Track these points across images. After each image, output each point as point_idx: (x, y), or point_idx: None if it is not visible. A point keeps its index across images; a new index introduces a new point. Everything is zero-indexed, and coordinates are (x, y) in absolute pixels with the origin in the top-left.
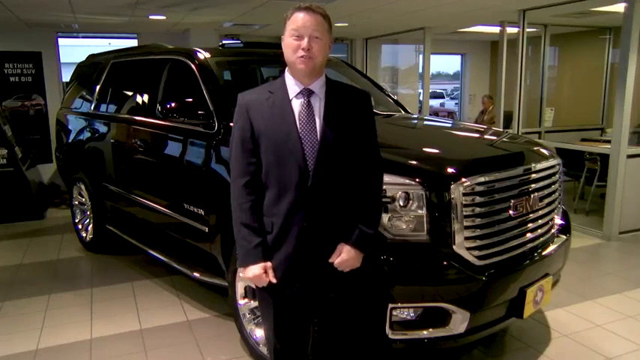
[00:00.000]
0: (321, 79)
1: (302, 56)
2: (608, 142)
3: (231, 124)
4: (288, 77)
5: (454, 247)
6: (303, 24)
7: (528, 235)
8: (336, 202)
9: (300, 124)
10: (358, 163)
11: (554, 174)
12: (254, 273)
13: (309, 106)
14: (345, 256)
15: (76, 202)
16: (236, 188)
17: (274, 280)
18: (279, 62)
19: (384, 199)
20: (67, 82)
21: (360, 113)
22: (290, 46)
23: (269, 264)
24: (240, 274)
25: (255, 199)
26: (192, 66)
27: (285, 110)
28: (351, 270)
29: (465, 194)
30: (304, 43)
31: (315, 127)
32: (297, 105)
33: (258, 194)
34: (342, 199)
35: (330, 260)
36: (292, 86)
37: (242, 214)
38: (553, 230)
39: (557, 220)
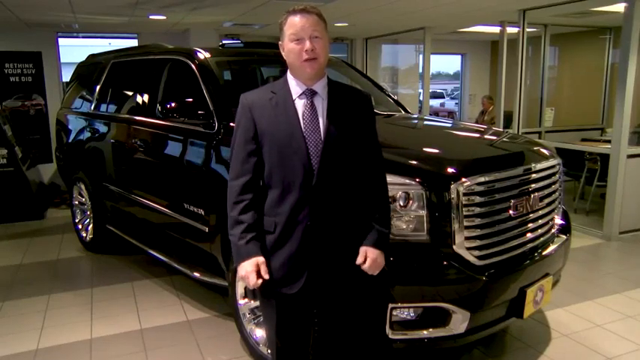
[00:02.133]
0: (324, 80)
1: (306, 59)
2: (608, 142)
3: (232, 124)
4: (290, 78)
5: (454, 247)
6: (302, 26)
7: (528, 235)
8: (340, 201)
9: (304, 123)
10: (361, 162)
11: (554, 174)
12: (246, 270)
13: (312, 107)
14: (373, 256)
15: (76, 202)
16: (233, 187)
17: (266, 276)
18: (279, 62)
19: None
20: (67, 82)
21: (362, 114)
22: (293, 51)
23: (262, 259)
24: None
25: (252, 199)
26: (193, 66)
27: (289, 110)
28: (356, 270)
29: (465, 194)
30: (307, 44)
31: (319, 127)
32: (300, 105)
33: (256, 194)
34: (346, 197)
35: (358, 263)
36: (295, 87)
37: (237, 211)
38: (553, 230)
39: (558, 220)
